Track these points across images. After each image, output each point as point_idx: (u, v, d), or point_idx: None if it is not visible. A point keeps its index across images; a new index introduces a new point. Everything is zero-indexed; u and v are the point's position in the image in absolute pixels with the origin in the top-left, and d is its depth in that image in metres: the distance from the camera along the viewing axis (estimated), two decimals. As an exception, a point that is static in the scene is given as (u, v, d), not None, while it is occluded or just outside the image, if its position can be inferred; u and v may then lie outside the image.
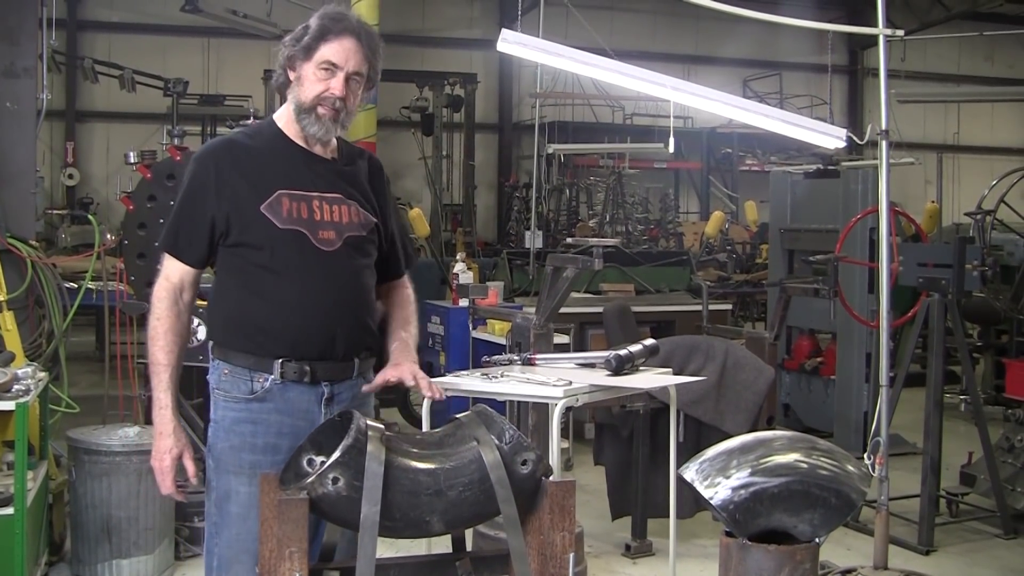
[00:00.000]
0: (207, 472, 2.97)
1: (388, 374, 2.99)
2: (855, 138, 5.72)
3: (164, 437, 2.86)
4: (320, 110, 2.88)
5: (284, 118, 2.98)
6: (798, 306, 7.88)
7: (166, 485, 2.87)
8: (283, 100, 3.05)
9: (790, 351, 8.75)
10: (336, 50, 2.86)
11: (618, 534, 5.85)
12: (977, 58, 22.44)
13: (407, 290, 3.22)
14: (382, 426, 2.59)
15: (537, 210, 13.28)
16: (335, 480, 2.41)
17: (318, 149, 2.97)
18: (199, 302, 3.06)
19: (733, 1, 5.44)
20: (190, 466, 2.87)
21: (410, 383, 2.99)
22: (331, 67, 2.87)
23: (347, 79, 2.88)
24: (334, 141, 3.00)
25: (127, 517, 4.88)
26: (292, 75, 2.93)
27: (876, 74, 5.44)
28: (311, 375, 2.87)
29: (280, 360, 2.85)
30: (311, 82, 2.88)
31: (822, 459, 2.71)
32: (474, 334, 7.61)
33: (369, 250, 3.01)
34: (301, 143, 2.96)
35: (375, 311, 3.09)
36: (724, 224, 15.47)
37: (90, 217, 7.16)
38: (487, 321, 7.62)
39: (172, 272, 2.92)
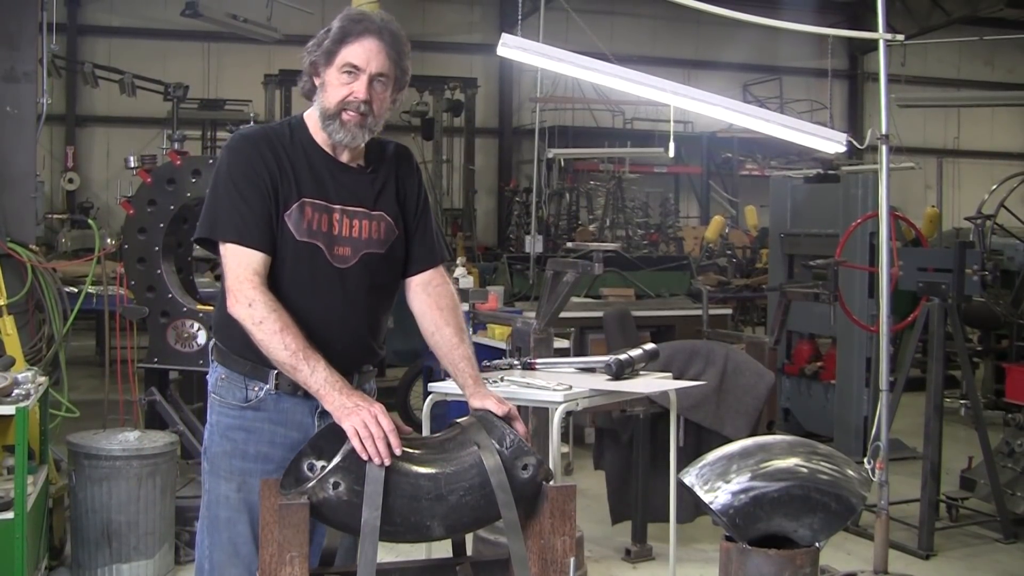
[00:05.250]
0: (202, 475, 2.96)
1: (490, 405, 2.73)
2: (855, 143, 5.73)
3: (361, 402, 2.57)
4: (345, 116, 2.78)
5: (312, 121, 2.89)
6: (798, 311, 7.89)
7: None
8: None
9: (790, 355, 8.75)
10: (357, 52, 2.76)
11: (618, 539, 5.85)
12: (977, 62, 22.47)
13: (445, 289, 3.01)
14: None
15: (537, 215, 13.31)
16: (336, 485, 2.41)
17: (344, 156, 2.88)
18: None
19: (733, 6, 5.45)
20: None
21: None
22: (353, 70, 2.77)
23: (371, 81, 2.78)
24: (361, 145, 2.91)
25: (127, 522, 4.88)
26: (317, 81, 2.84)
27: (876, 78, 5.44)
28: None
29: (276, 370, 2.79)
30: (334, 87, 2.79)
31: (822, 464, 2.71)
32: (474, 338, 7.61)
33: (384, 270, 2.91)
34: (328, 149, 2.87)
35: (383, 330, 3.00)
36: (724, 229, 15.50)
37: (90, 221, 7.14)
38: (487, 325, 7.63)
39: (255, 262, 2.73)
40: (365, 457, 2.46)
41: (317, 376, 2.62)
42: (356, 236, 2.84)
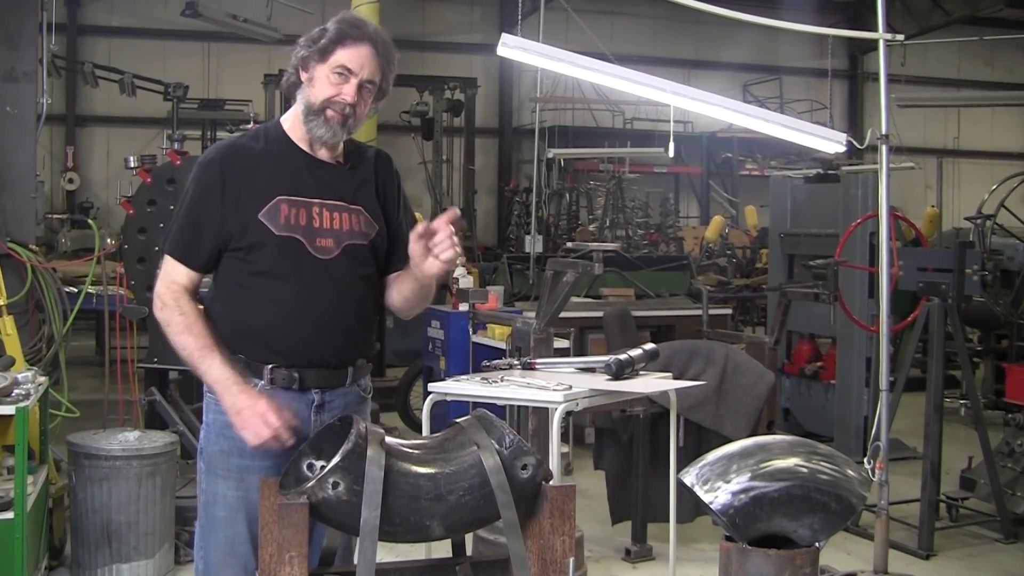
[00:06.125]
0: (198, 475, 2.97)
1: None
2: (855, 142, 5.73)
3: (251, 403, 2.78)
4: (329, 113, 2.85)
5: (290, 121, 2.96)
6: (798, 311, 7.88)
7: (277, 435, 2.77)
8: (286, 103, 3.03)
9: (790, 356, 8.75)
10: (352, 56, 2.83)
11: (618, 539, 5.85)
12: (977, 62, 22.47)
13: None
14: (382, 431, 2.59)
15: (537, 215, 13.31)
16: (335, 485, 2.41)
17: (323, 153, 2.94)
18: (202, 307, 3.04)
19: (733, 6, 5.45)
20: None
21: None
22: (345, 72, 2.84)
23: (360, 86, 2.86)
24: (340, 144, 2.97)
25: (127, 522, 4.88)
26: (304, 76, 2.90)
27: (876, 78, 5.44)
28: (300, 382, 2.86)
29: (270, 366, 2.84)
30: (323, 84, 2.85)
31: (822, 464, 2.71)
32: (474, 339, 7.61)
33: (369, 259, 2.97)
34: (306, 147, 2.93)
35: (373, 321, 3.05)
36: (724, 229, 15.52)
37: (90, 221, 7.14)
38: (487, 325, 7.63)
39: (179, 275, 2.88)
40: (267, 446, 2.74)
41: (212, 373, 2.82)
42: (338, 228, 2.90)
